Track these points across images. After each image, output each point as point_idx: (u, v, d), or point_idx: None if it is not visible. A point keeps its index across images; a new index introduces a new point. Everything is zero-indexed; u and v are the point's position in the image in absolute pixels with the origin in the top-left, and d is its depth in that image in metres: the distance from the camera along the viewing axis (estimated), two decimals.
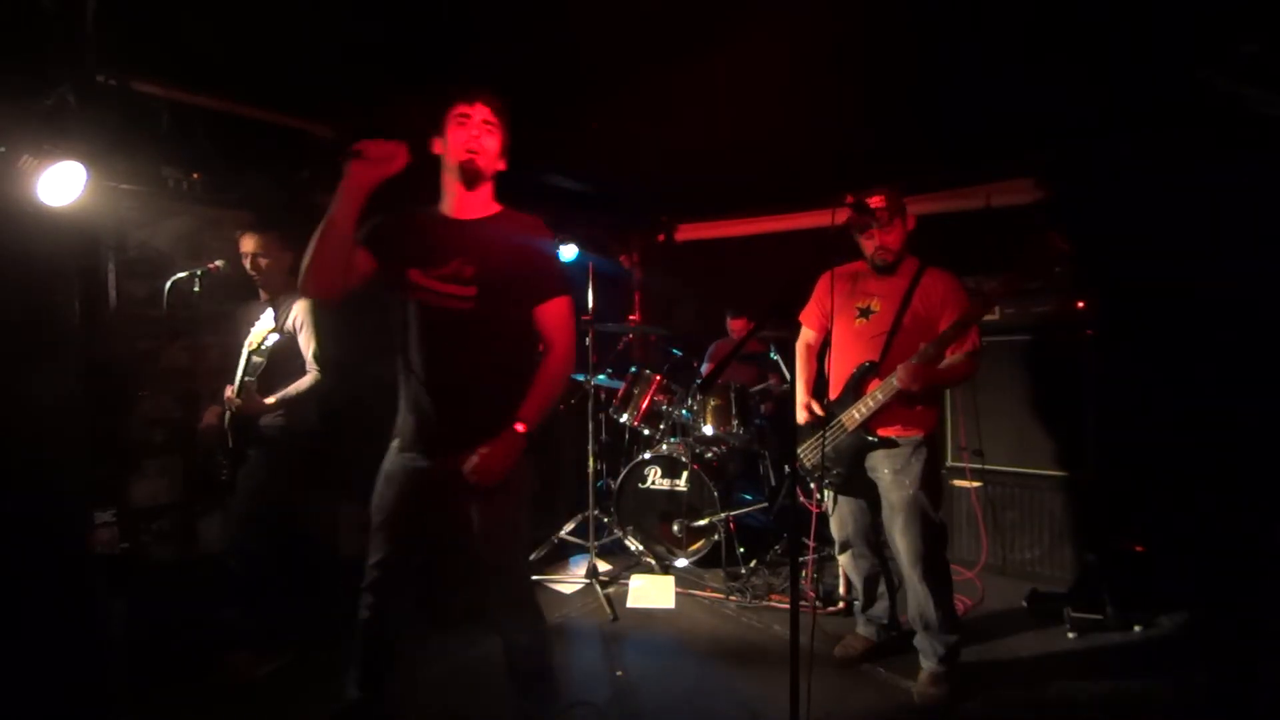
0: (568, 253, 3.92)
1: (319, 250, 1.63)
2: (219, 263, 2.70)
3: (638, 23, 2.38)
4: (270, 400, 2.56)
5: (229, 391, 2.54)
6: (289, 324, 2.62)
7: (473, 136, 1.73)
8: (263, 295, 2.73)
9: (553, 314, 1.80)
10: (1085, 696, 2.37)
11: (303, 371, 2.63)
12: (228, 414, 2.60)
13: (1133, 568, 3.00)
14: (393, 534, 1.80)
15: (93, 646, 2.47)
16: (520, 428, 1.71)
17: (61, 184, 2.29)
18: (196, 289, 2.62)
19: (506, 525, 1.81)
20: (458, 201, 1.79)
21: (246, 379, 2.49)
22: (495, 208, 1.84)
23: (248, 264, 2.64)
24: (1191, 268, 3.06)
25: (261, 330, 2.42)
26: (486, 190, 1.82)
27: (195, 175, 3.18)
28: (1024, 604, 3.08)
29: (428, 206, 1.84)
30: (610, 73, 2.73)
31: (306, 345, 2.62)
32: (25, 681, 2.28)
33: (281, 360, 2.55)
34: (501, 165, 1.81)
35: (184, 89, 2.84)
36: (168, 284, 2.63)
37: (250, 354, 2.46)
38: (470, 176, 1.74)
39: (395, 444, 1.84)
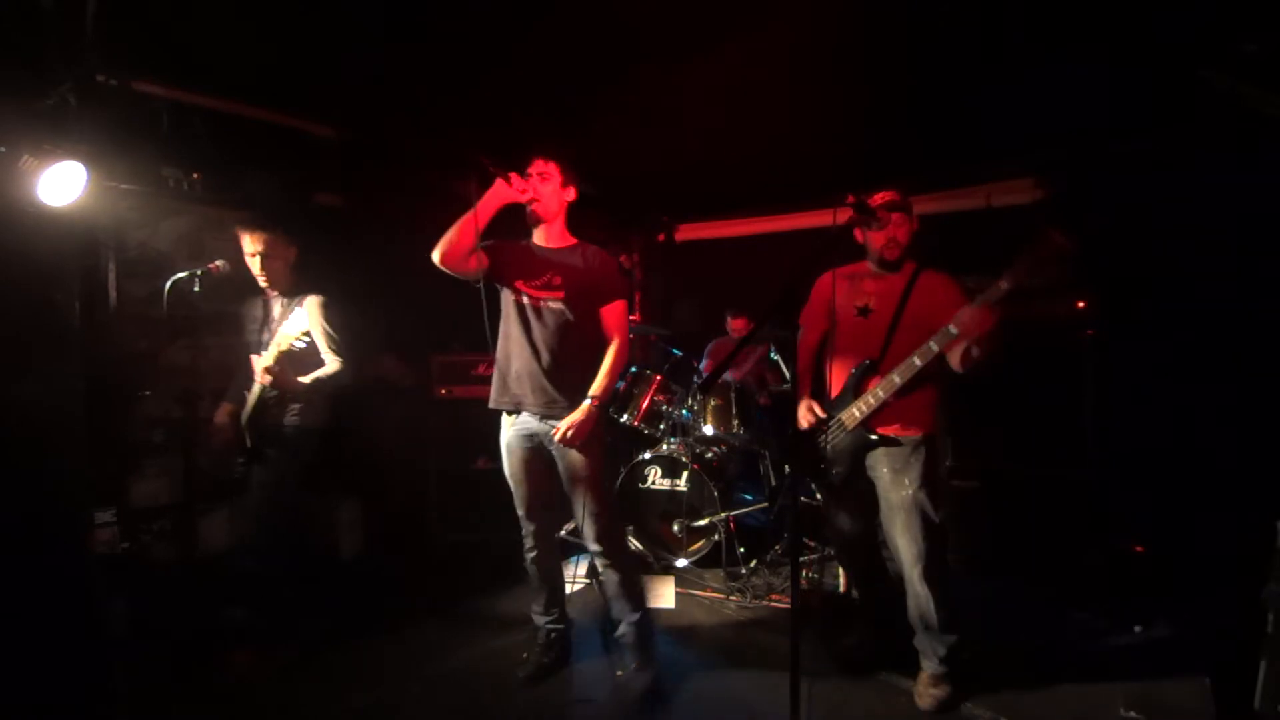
0: None
1: (456, 234, 2.24)
2: (219, 263, 2.69)
3: (638, 22, 2.38)
4: (306, 379, 2.59)
5: (260, 370, 2.50)
6: (302, 318, 2.60)
7: (532, 189, 2.32)
8: (268, 292, 2.73)
9: (614, 313, 2.40)
10: (1085, 696, 2.38)
11: (319, 366, 2.66)
12: (246, 412, 2.62)
13: (1133, 568, 3.00)
14: (525, 491, 2.45)
15: (93, 647, 2.47)
16: (594, 402, 2.31)
17: (61, 184, 2.29)
18: (196, 289, 2.62)
19: (593, 476, 2.38)
20: (544, 235, 2.43)
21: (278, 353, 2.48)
22: (572, 240, 2.45)
23: (255, 262, 2.65)
24: (1192, 267, 3.06)
25: (296, 329, 2.44)
26: (560, 224, 2.43)
27: (195, 175, 3.19)
28: (1024, 604, 3.08)
29: (524, 239, 2.45)
30: (610, 73, 2.73)
31: (321, 339, 2.64)
32: (25, 682, 2.28)
33: (300, 356, 2.57)
34: (567, 199, 2.40)
35: (184, 89, 2.84)
36: (168, 284, 2.62)
37: (281, 350, 2.46)
38: (534, 220, 2.39)
39: (503, 413, 2.44)
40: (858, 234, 2.42)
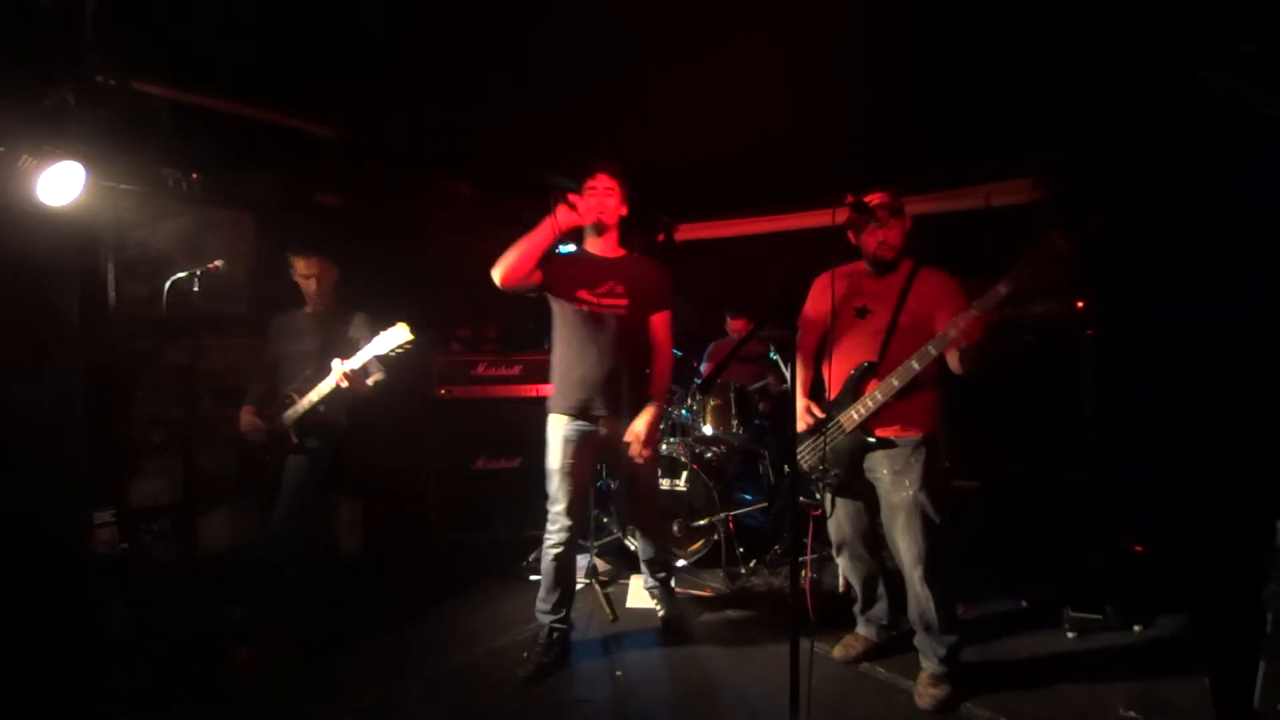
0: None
1: (518, 256, 2.40)
2: (218, 263, 2.71)
3: (638, 23, 2.38)
4: (370, 381, 2.81)
5: (341, 374, 2.66)
6: (351, 333, 2.89)
7: (598, 202, 2.49)
8: (312, 308, 2.93)
9: (664, 320, 2.64)
10: (1085, 696, 2.37)
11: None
12: (297, 412, 2.74)
13: (1133, 568, 3.00)
14: (571, 487, 2.55)
15: (93, 647, 2.47)
16: (658, 402, 2.58)
17: (61, 184, 2.29)
18: (196, 289, 2.64)
19: (651, 467, 2.74)
20: (599, 245, 2.60)
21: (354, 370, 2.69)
22: (622, 251, 2.64)
23: (309, 284, 2.89)
24: (1191, 267, 3.06)
25: (398, 340, 2.64)
26: (613, 235, 2.61)
27: (195, 175, 3.19)
28: (1024, 604, 3.08)
29: (580, 249, 2.63)
30: (610, 73, 2.73)
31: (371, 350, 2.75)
32: (25, 681, 2.28)
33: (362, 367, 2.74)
34: (623, 212, 2.56)
35: (184, 89, 2.84)
36: (167, 284, 2.63)
37: (378, 359, 2.70)
38: (598, 230, 2.55)
39: (564, 415, 2.55)
40: (850, 236, 2.42)
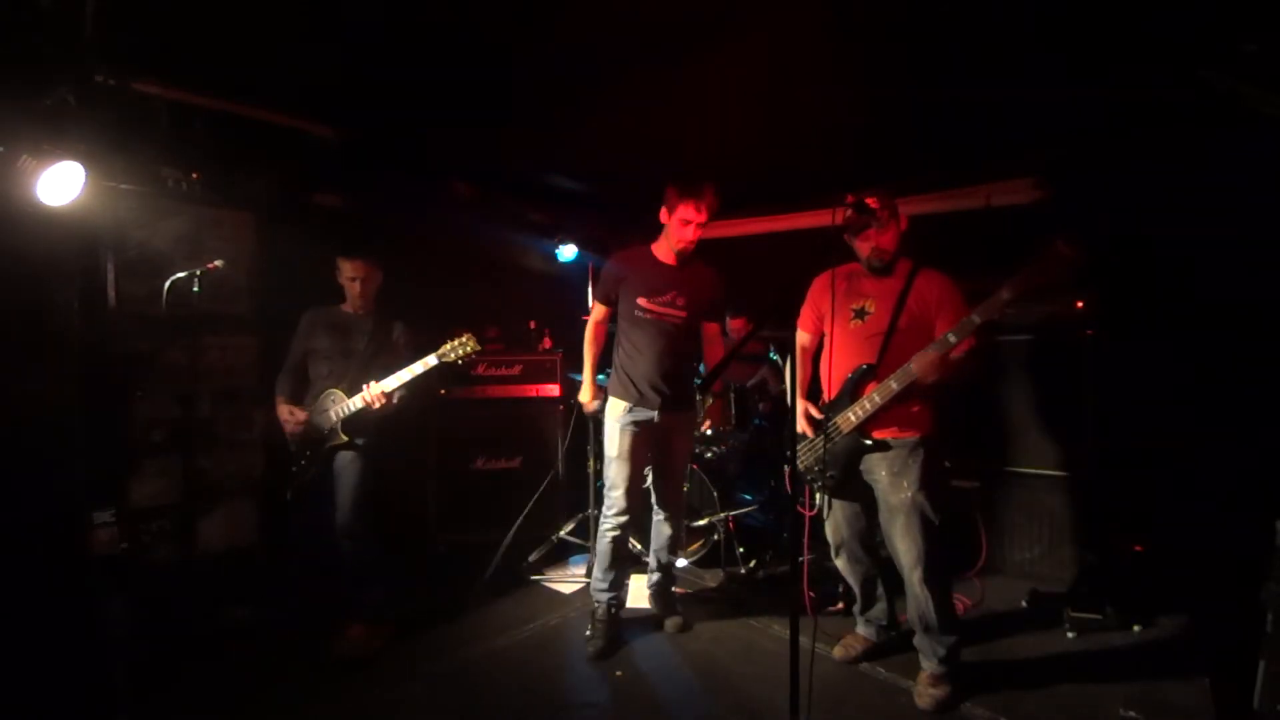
0: (567, 252, 3.92)
1: (592, 342, 2.94)
2: (218, 262, 2.71)
3: (638, 22, 2.38)
4: (395, 400, 2.80)
5: (373, 393, 2.69)
6: (395, 337, 2.93)
7: (689, 233, 2.68)
8: (354, 309, 2.93)
9: (715, 330, 2.94)
10: (1085, 696, 2.38)
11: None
12: (342, 411, 2.75)
13: (1133, 568, 3.00)
14: (629, 470, 2.76)
15: (92, 647, 2.47)
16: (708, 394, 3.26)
17: (60, 184, 2.29)
18: (196, 289, 2.63)
19: (689, 451, 3.05)
20: (666, 252, 2.78)
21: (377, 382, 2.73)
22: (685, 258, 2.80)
23: (354, 286, 2.88)
24: (1191, 267, 3.06)
25: (464, 350, 2.72)
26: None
27: (194, 175, 3.19)
28: (1024, 604, 3.08)
29: (647, 250, 2.83)
30: (610, 72, 2.73)
31: (412, 359, 2.77)
32: (24, 682, 2.28)
33: (386, 369, 2.79)
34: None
35: (183, 89, 2.84)
36: (167, 284, 2.63)
37: (410, 372, 2.73)
38: (683, 259, 2.77)
39: (623, 405, 2.76)
40: (846, 240, 2.41)
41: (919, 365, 2.21)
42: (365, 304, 2.94)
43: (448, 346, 2.72)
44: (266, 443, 3.48)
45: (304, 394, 2.90)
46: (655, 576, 3.01)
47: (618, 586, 2.85)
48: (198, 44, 2.50)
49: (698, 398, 3.77)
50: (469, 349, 2.72)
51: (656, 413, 2.75)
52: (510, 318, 4.26)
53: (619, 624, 2.87)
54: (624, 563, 2.86)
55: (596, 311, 2.92)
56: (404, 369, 2.73)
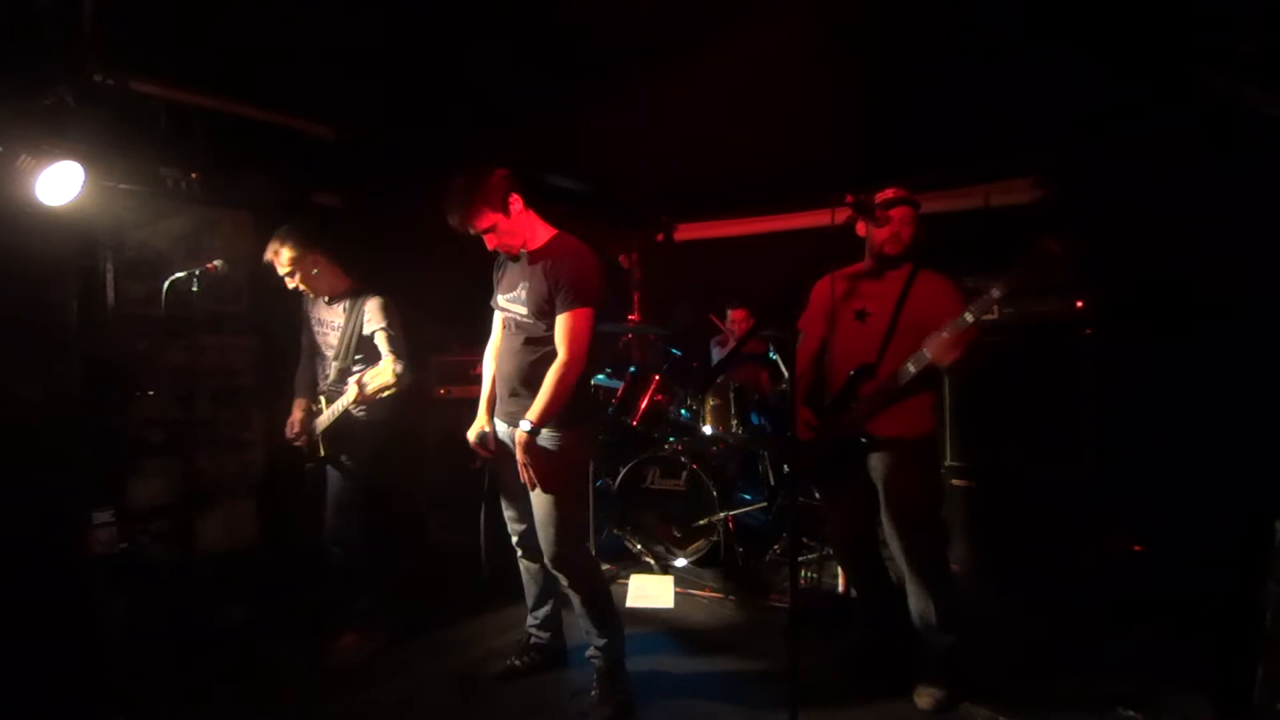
0: None
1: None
2: (217, 263, 2.69)
3: (638, 22, 2.38)
4: (369, 389, 2.64)
5: (363, 385, 2.57)
6: (363, 321, 2.71)
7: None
8: (325, 300, 2.79)
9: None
10: (1085, 697, 2.37)
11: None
12: (342, 406, 2.66)
13: (1133, 568, 3.00)
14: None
15: (92, 647, 2.47)
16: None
17: (59, 184, 2.29)
18: (195, 289, 2.62)
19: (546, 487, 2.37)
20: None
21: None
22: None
23: (289, 281, 2.69)
24: (1191, 267, 3.06)
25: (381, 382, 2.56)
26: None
27: (193, 175, 3.19)
28: (1023, 604, 3.08)
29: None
30: (610, 72, 2.73)
31: (383, 341, 2.68)
32: (24, 682, 2.28)
33: (366, 358, 2.70)
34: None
35: (182, 89, 2.83)
36: (166, 284, 2.62)
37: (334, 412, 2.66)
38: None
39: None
40: (860, 228, 2.39)
41: (933, 348, 2.18)
42: (316, 290, 2.76)
43: (368, 376, 2.56)
44: (267, 443, 3.48)
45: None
46: (589, 652, 2.39)
47: (536, 611, 2.60)
48: (197, 44, 2.50)
49: (696, 397, 3.78)
50: (387, 378, 2.54)
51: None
52: None
53: (535, 656, 2.61)
54: (539, 588, 2.57)
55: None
56: (338, 401, 2.64)
